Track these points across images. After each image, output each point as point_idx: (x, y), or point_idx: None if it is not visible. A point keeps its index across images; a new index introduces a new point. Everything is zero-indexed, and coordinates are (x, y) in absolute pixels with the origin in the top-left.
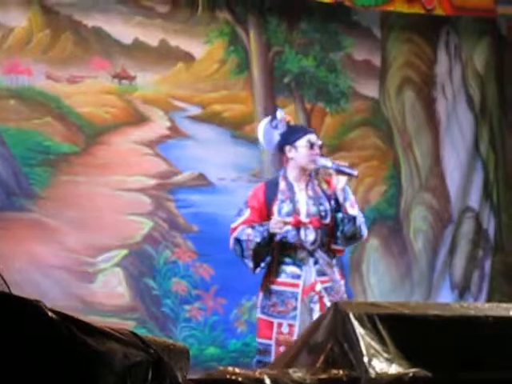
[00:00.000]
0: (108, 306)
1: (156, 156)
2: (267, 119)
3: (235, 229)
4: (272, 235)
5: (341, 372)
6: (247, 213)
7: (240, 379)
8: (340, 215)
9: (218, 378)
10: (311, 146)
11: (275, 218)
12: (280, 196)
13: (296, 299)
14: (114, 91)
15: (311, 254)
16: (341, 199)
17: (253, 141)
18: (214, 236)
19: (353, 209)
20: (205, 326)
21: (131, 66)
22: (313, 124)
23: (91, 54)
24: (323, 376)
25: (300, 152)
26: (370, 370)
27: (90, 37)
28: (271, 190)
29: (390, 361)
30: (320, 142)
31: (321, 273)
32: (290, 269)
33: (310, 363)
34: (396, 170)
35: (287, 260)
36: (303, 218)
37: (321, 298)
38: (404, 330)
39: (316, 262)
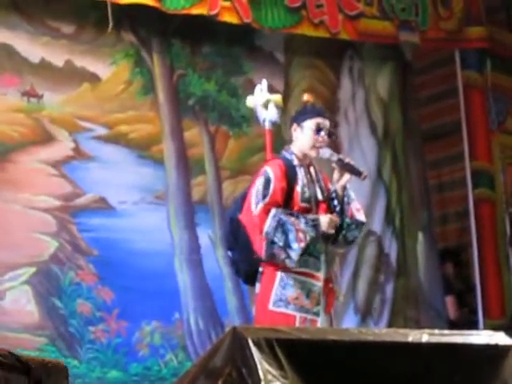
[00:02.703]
0: (18, 324)
1: (61, 177)
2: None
3: (267, 211)
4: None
5: None
6: (272, 193)
7: None
8: (348, 220)
9: None
10: (318, 130)
11: (328, 216)
12: (301, 178)
13: (319, 294)
14: (23, 109)
15: (327, 246)
16: (341, 197)
17: (159, 162)
18: (112, 260)
19: (359, 213)
20: (108, 348)
21: (39, 85)
22: (217, 147)
23: (1, 70)
24: None
25: (305, 134)
26: None
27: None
28: (291, 170)
29: None
30: (330, 128)
31: (330, 268)
32: (312, 260)
33: None
34: None
35: (309, 250)
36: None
37: (331, 295)
38: (302, 355)
39: (327, 255)
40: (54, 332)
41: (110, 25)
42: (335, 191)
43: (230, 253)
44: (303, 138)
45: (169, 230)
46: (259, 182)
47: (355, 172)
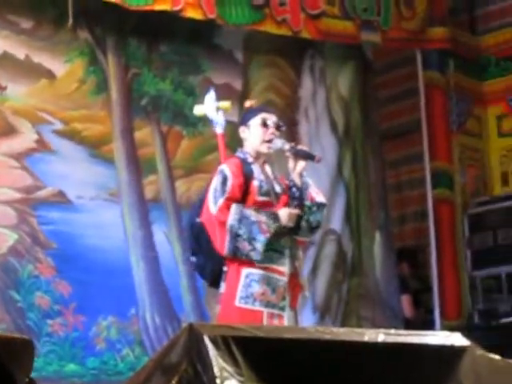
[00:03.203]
0: None
1: (23, 169)
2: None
3: (227, 206)
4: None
5: None
6: (231, 188)
7: None
8: (308, 203)
9: None
10: (264, 124)
11: (286, 209)
12: (257, 174)
13: (284, 288)
14: None
15: (291, 241)
16: (299, 184)
17: (110, 160)
18: (70, 254)
19: (318, 195)
20: (65, 341)
21: (3, 76)
22: (169, 146)
23: None
24: None
25: (253, 132)
26: None
27: None
28: (247, 166)
29: (242, 383)
30: (276, 121)
31: (294, 262)
32: (276, 255)
33: None
34: None
35: (273, 245)
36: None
37: (296, 289)
38: (258, 353)
39: (291, 250)
40: (11, 325)
41: (70, 21)
42: (292, 180)
43: (193, 258)
44: (252, 136)
45: (123, 227)
46: (216, 181)
47: (309, 157)
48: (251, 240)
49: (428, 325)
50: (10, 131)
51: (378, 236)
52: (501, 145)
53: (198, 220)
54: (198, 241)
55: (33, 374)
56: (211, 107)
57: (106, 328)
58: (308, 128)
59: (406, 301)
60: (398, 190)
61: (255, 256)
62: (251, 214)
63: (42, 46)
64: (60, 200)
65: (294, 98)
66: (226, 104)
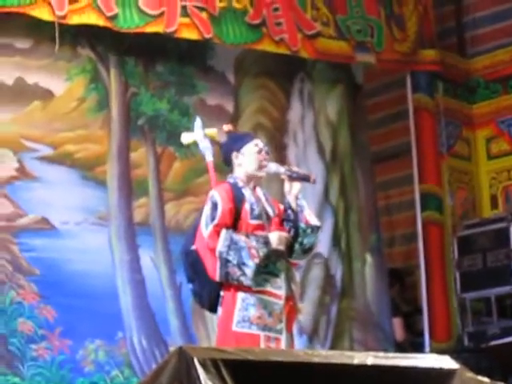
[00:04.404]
0: None
1: (3, 197)
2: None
3: (217, 232)
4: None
5: None
6: (220, 214)
7: None
8: (303, 225)
9: None
10: (259, 151)
11: (277, 233)
12: (249, 198)
13: (281, 312)
14: None
15: (286, 264)
16: (294, 206)
17: (102, 183)
18: (55, 280)
19: (312, 218)
20: (52, 364)
21: None
22: (161, 168)
23: None
24: None
25: (248, 159)
26: None
27: None
28: (237, 191)
29: None
30: (266, 148)
31: (290, 286)
32: (272, 278)
33: None
34: None
35: (269, 269)
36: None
37: (292, 313)
38: (248, 376)
39: (286, 274)
40: None
41: (57, 47)
42: (288, 202)
43: (191, 286)
44: (247, 162)
45: (110, 251)
46: (207, 207)
47: (304, 178)
48: (241, 265)
49: (417, 347)
50: None
51: (369, 258)
52: (490, 167)
53: (192, 248)
54: (193, 268)
55: None
56: (199, 135)
57: (94, 351)
58: (296, 152)
59: (397, 324)
60: (388, 212)
61: (245, 281)
62: (240, 239)
63: (41, 66)
64: (43, 226)
65: (283, 121)
66: (212, 131)
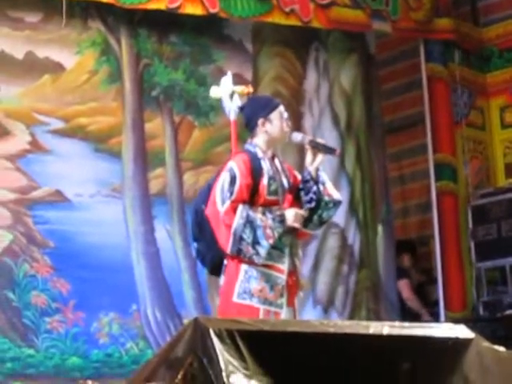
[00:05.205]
0: None
1: (16, 170)
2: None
3: (233, 208)
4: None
5: None
6: (238, 190)
7: None
8: (326, 198)
9: None
10: (285, 118)
11: (293, 210)
12: (267, 171)
13: (282, 286)
14: None
15: (291, 239)
16: (314, 178)
17: (116, 154)
18: (69, 252)
19: (335, 192)
20: (66, 337)
21: None
22: (180, 137)
23: None
24: None
25: (275, 125)
26: None
27: None
28: (256, 164)
29: (248, 377)
30: (287, 115)
31: (293, 261)
32: (276, 252)
33: (169, 378)
34: None
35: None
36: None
37: (294, 287)
38: (263, 347)
39: (291, 248)
40: (5, 324)
41: (64, 21)
42: (309, 173)
43: (195, 243)
44: (274, 129)
45: (125, 223)
46: (224, 179)
47: (329, 150)
48: (255, 244)
49: (433, 316)
50: (2, 134)
51: (380, 229)
52: (504, 136)
53: (203, 206)
54: (200, 228)
55: (30, 370)
56: (227, 90)
57: (108, 323)
58: (312, 121)
59: (404, 285)
60: (401, 182)
61: (257, 260)
62: (256, 217)
63: (50, 39)
64: (57, 199)
65: (300, 90)
66: (241, 88)
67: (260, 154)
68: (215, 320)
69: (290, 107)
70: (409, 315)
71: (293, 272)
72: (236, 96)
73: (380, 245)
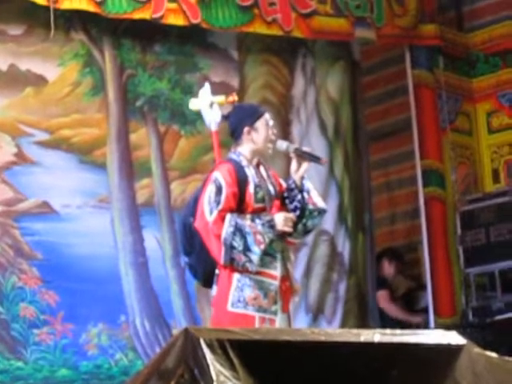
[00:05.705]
0: None
1: (2, 182)
2: (205, 101)
3: (221, 217)
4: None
5: None
6: (225, 199)
7: None
8: (310, 207)
9: None
10: (270, 126)
11: (282, 214)
12: (252, 179)
13: (276, 292)
14: None
15: (282, 244)
16: (299, 186)
17: (101, 166)
18: (57, 264)
19: (320, 200)
20: (55, 348)
21: None
22: (166, 147)
23: None
24: None
25: (260, 133)
26: None
27: None
28: (241, 172)
29: None
30: (272, 122)
31: (286, 266)
32: (268, 258)
33: None
34: None
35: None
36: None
37: (287, 293)
38: (254, 356)
39: (283, 253)
40: None
41: (52, 31)
42: (294, 182)
43: (186, 258)
44: (259, 137)
45: (113, 234)
46: (210, 190)
47: (314, 159)
48: (246, 251)
49: (420, 322)
50: None
51: (360, 237)
52: (491, 141)
53: (191, 219)
54: (190, 242)
55: (19, 383)
56: (205, 102)
57: (97, 335)
58: (299, 128)
59: (380, 296)
60: (388, 189)
61: (251, 267)
62: (245, 224)
63: (33, 52)
64: (44, 211)
65: (288, 96)
66: (220, 98)
67: (244, 163)
68: (205, 330)
69: (278, 114)
70: (398, 323)
71: (286, 277)
72: (216, 106)
73: (361, 253)
